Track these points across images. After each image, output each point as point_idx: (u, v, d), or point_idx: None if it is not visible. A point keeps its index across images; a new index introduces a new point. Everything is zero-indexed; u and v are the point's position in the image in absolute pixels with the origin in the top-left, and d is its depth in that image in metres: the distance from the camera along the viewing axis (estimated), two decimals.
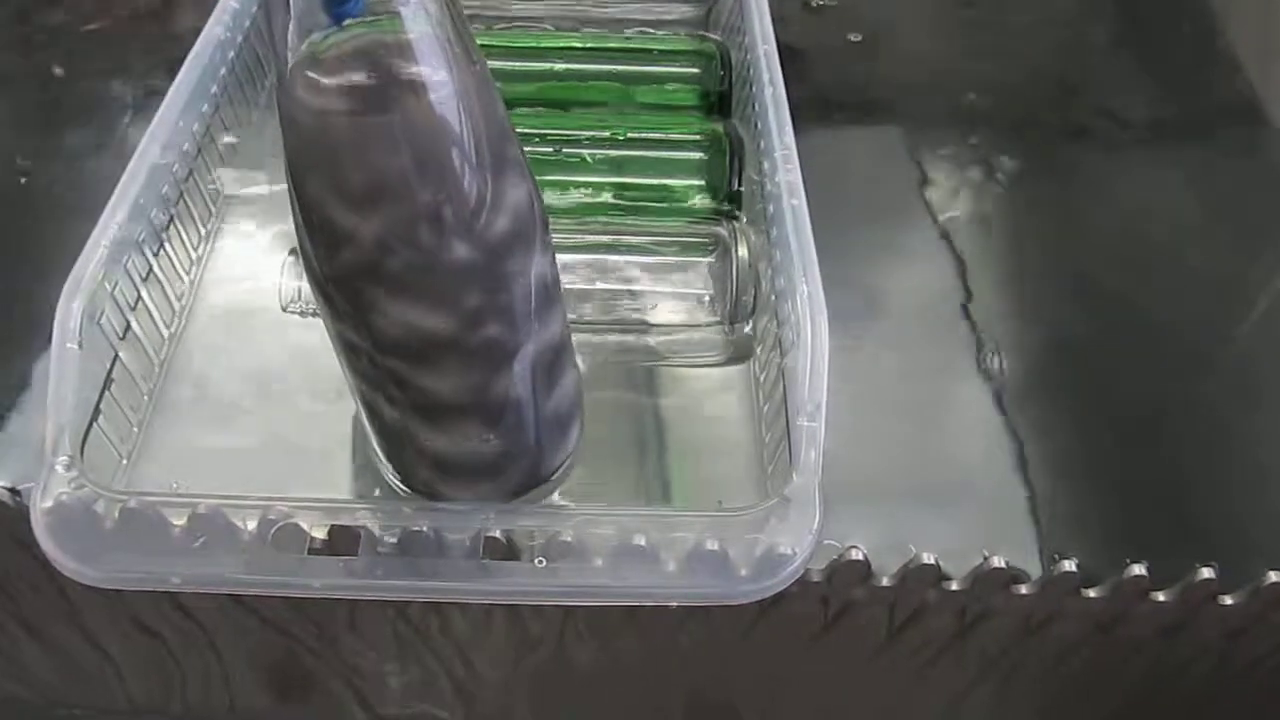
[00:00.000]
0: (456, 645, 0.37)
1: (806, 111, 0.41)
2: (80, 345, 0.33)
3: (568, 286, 0.39)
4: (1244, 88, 0.53)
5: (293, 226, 0.29)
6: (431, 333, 0.29)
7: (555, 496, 0.36)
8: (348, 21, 0.25)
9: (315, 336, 0.39)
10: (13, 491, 0.33)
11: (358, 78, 0.26)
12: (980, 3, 0.58)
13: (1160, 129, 0.52)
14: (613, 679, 0.38)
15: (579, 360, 0.37)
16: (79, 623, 0.37)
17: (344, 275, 0.29)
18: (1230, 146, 0.51)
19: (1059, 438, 0.39)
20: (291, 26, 0.26)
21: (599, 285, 0.39)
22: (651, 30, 0.52)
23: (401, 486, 0.35)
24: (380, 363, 0.30)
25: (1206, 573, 0.32)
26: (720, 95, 0.47)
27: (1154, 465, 0.38)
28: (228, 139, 0.44)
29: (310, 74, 0.26)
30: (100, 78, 0.51)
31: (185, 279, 0.40)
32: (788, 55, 0.43)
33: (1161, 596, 0.33)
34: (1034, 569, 0.34)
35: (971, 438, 0.39)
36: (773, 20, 0.45)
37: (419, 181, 0.27)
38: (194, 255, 0.41)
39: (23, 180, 0.47)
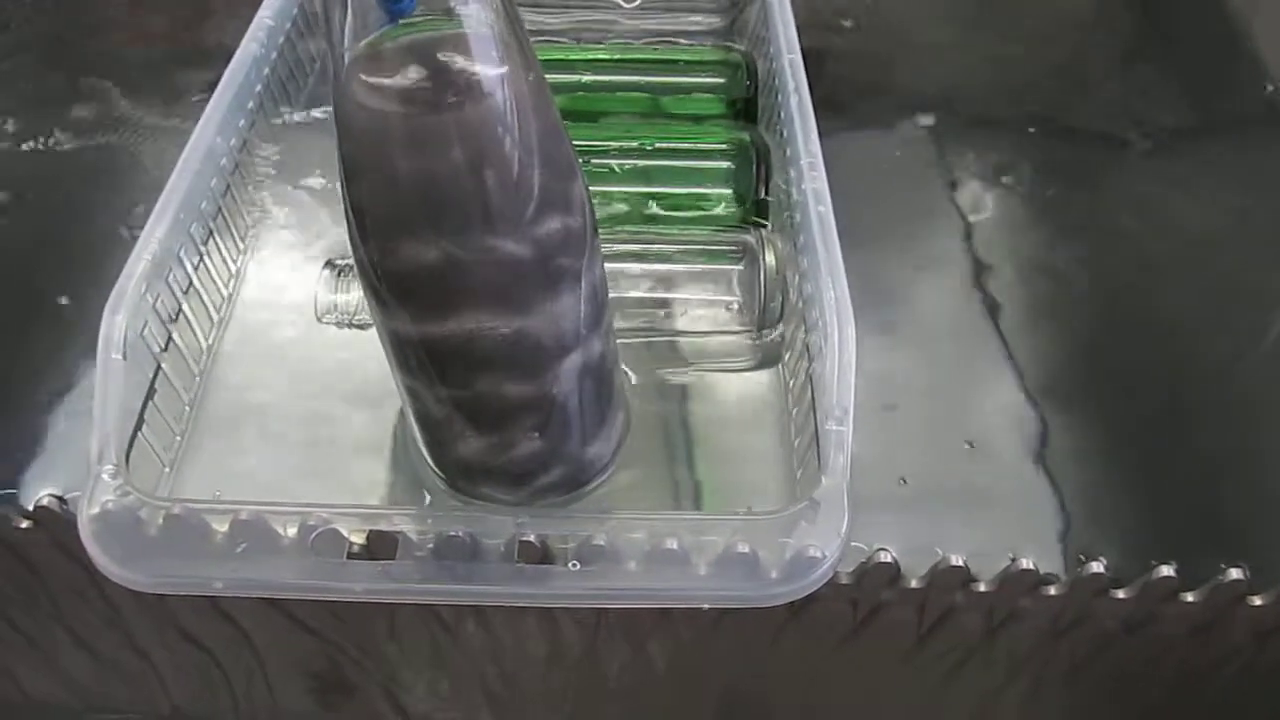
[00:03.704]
0: (491, 649, 0.38)
1: (829, 115, 0.41)
2: (124, 357, 0.34)
3: None
4: (1268, 91, 0.53)
5: (344, 227, 0.30)
6: (481, 331, 0.30)
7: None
8: (403, 20, 0.26)
9: (350, 347, 0.40)
10: (60, 500, 0.34)
11: (413, 75, 0.26)
12: (1005, 8, 0.58)
13: (1184, 133, 0.52)
14: (645, 681, 0.39)
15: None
16: (123, 628, 0.38)
17: (396, 273, 0.29)
18: (1255, 150, 0.51)
19: (1086, 438, 0.39)
20: (349, 23, 0.26)
21: (630, 294, 0.40)
22: (677, 41, 0.52)
23: (443, 485, 0.36)
24: (429, 360, 0.31)
25: (1235, 573, 0.32)
26: (746, 104, 0.48)
27: (1182, 466, 0.38)
28: (263, 153, 0.45)
29: (366, 72, 0.26)
30: (139, 91, 0.52)
31: (223, 291, 0.41)
32: (811, 58, 0.44)
33: (1190, 597, 0.33)
34: (1062, 569, 0.34)
35: (998, 438, 0.39)
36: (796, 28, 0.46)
37: (473, 179, 0.27)
38: (232, 268, 0.42)
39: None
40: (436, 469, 0.36)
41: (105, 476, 0.32)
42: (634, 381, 0.39)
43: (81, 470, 0.31)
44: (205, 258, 0.40)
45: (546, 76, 0.47)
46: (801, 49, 0.45)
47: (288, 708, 0.42)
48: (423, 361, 0.31)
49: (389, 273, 0.29)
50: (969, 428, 0.40)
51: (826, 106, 0.42)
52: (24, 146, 0.49)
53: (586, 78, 0.48)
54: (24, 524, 0.34)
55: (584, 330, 0.31)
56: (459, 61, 0.26)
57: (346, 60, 0.26)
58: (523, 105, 0.27)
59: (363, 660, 0.39)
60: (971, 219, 0.47)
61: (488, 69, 0.26)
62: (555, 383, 0.32)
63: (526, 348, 0.31)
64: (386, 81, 0.26)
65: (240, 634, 0.37)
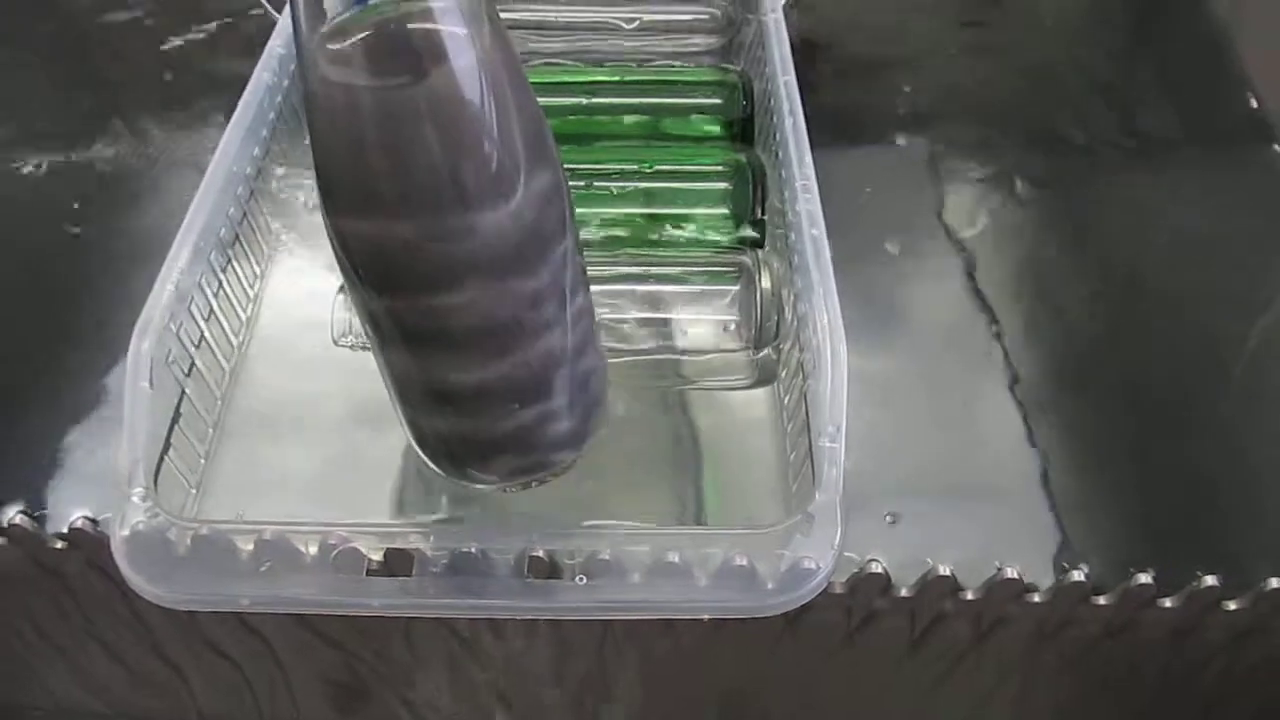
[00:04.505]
0: (503, 655, 0.40)
1: (824, 129, 0.43)
2: (151, 384, 0.35)
3: (601, 316, 0.41)
4: (1252, 106, 0.54)
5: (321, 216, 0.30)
6: (457, 307, 0.30)
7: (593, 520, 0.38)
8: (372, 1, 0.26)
9: (366, 369, 0.41)
10: (92, 521, 0.36)
11: (381, 49, 0.26)
12: (992, 22, 0.59)
13: (1171, 144, 0.53)
14: (650, 686, 0.40)
15: (610, 364, 0.39)
16: (152, 641, 0.39)
17: (370, 252, 0.29)
18: (1238, 162, 0.52)
19: (1072, 450, 0.40)
20: (315, 5, 0.26)
21: (631, 314, 0.41)
22: (674, 62, 0.54)
23: (434, 468, 0.37)
24: (402, 337, 0.31)
25: (1210, 580, 0.34)
26: (743, 124, 0.48)
27: (1164, 475, 0.40)
28: (278, 178, 0.47)
29: (332, 46, 0.26)
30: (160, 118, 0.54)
31: (242, 316, 0.43)
32: (803, 73, 0.45)
33: (1168, 603, 0.34)
34: (1051, 574, 0.36)
35: (990, 447, 0.41)
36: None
37: (444, 153, 0.27)
38: (250, 293, 0.43)
39: (75, 232, 0.50)
40: (419, 450, 0.37)
41: (136, 499, 0.33)
42: (636, 398, 0.41)
43: (110, 490, 0.33)
44: (224, 285, 0.41)
45: (549, 100, 0.49)
46: (795, 65, 0.46)
47: (308, 713, 0.44)
48: (397, 338, 0.32)
49: (362, 253, 0.29)
50: (961, 435, 0.41)
51: (818, 119, 0.43)
52: (36, 169, 0.51)
53: (587, 100, 0.49)
54: (59, 544, 0.35)
55: (564, 301, 0.32)
56: (426, 37, 0.26)
57: (313, 40, 0.26)
58: (495, 78, 0.27)
59: (380, 668, 0.40)
60: (965, 232, 0.49)
61: (456, 43, 0.26)
62: (533, 360, 0.32)
63: (504, 320, 0.31)
64: (354, 56, 0.26)
65: (264, 645, 0.39)
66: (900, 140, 0.54)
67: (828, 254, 0.38)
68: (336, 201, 0.29)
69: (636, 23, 0.54)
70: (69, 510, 0.37)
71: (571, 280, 0.32)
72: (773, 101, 0.46)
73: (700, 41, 0.54)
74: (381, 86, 0.26)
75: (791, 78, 0.45)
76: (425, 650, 0.39)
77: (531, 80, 0.50)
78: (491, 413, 0.34)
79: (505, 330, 0.31)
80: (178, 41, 0.58)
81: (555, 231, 0.31)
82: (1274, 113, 0.53)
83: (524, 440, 0.36)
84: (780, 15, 0.50)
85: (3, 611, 0.39)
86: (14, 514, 0.35)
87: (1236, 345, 0.45)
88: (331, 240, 0.30)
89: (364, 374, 0.41)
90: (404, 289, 0.30)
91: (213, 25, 0.58)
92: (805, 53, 0.49)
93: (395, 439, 0.39)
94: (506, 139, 0.28)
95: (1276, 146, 0.51)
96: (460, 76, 0.27)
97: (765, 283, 0.41)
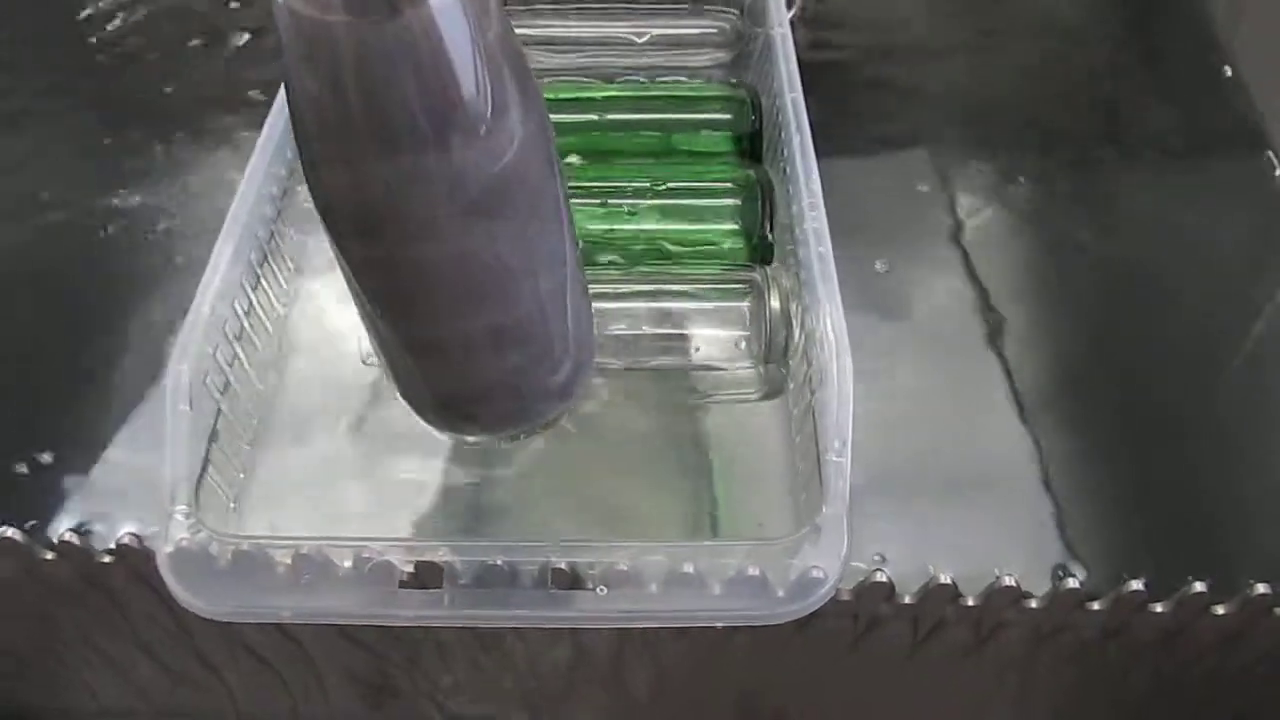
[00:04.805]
0: (527, 658, 0.41)
1: (829, 133, 0.44)
2: (190, 406, 0.37)
3: (615, 333, 0.43)
4: (1247, 113, 0.55)
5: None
6: (439, 254, 0.30)
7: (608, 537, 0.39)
8: None
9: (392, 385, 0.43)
10: (138, 537, 0.38)
11: None
12: (995, 31, 0.61)
13: (1175, 152, 0.54)
14: (666, 688, 0.42)
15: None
16: (193, 646, 0.41)
17: (350, 198, 0.29)
18: (1239, 169, 0.53)
19: (1069, 457, 0.42)
20: None
21: (645, 330, 0.43)
22: (684, 77, 0.54)
23: (434, 427, 0.38)
24: (389, 292, 0.32)
25: (1199, 586, 0.35)
26: (752, 139, 0.49)
27: (1164, 479, 0.41)
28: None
29: None
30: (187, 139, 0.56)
31: (272, 335, 0.44)
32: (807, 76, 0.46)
33: (1159, 608, 0.36)
34: (1049, 580, 0.37)
35: (993, 451, 0.42)
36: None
37: (421, 90, 0.26)
38: (280, 312, 0.45)
39: (106, 230, 0.51)
40: (407, 404, 0.37)
41: (179, 516, 0.35)
42: (650, 411, 0.43)
43: (153, 504, 0.35)
44: (255, 305, 0.43)
45: (565, 116, 0.50)
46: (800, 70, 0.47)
47: (340, 710, 0.46)
48: (380, 289, 0.32)
49: (341, 196, 0.29)
50: (964, 440, 0.43)
51: (822, 126, 0.44)
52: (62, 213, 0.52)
53: (600, 117, 0.50)
54: (106, 558, 0.37)
55: (549, 254, 0.32)
56: None
57: None
58: (470, 11, 0.26)
59: (410, 670, 0.42)
60: (966, 235, 0.50)
61: None
62: (518, 308, 0.33)
63: (487, 269, 0.31)
64: None
65: (299, 649, 0.41)
66: (901, 142, 0.55)
67: (834, 271, 0.39)
68: (315, 146, 0.28)
69: (647, 37, 0.56)
70: (116, 527, 0.39)
71: (557, 227, 0.32)
72: (780, 117, 0.47)
73: (710, 55, 0.55)
74: (357, 22, 0.26)
75: (799, 94, 0.46)
76: (453, 652, 0.41)
77: (545, 96, 0.51)
78: (477, 363, 0.34)
79: (490, 277, 0.31)
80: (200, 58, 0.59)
81: (541, 176, 0.30)
82: (1268, 118, 0.54)
83: (511, 391, 0.36)
84: (787, 30, 0.51)
85: (53, 622, 0.41)
86: (64, 531, 0.37)
87: (1232, 351, 0.46)
88: (313, 192, 0.30)
89: (390, 390, 0.43)
90: (384, 236, 0.30)
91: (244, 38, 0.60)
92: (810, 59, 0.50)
93: (424, 451, 0.41)
94: (487, 76, 0.27)
95: (1269, 153, 0.53)
96: (438, 11, 0.26)
97: (774, 299, 0.42)
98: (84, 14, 0.62)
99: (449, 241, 0.30)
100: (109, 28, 0.61)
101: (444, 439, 0.41)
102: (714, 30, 0.56)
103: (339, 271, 0.47)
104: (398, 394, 0.39)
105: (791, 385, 0.42)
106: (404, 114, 0.27)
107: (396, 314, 0.33)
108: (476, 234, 0.30)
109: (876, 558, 0.38)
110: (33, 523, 0.39)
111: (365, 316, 0.35)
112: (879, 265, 0.49)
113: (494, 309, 0.33)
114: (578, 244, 0.35)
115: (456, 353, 0.34)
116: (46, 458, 0.42)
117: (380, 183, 0.28)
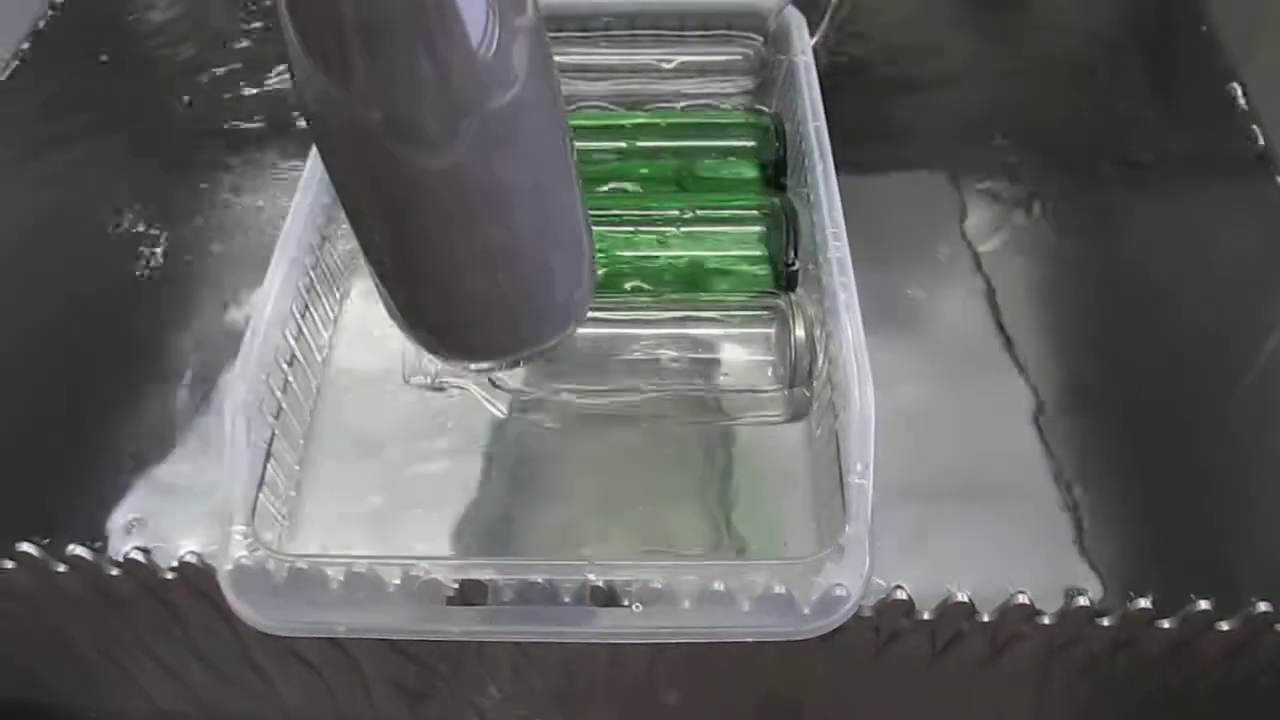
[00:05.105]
0: (563, 666, 0.43)
1: (850, 156, 0.46)
2: (247, 430, 0.39)
3: (643, 357, 0.45)
4: (1258, 140, 0.57)
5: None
6: (435, 171, 0.29)
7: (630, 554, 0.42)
8: None
9: (436, 406, 0.45)
10: (198, 555, 0.40)
11: None
12: (1015, 60, 0.62)
13: (1188, 175, 0.56)
14: (696, 696, 0.44)
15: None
16: (246, 655, 0.43)
17: (346, 116, 0.28)
18: (1250, 192, 0.55)
19: (1094, 465, 0.44)
20: None
21: (674, 354, 0.45)
22: (710, 103, 0.56)
23: (433, 352, 0.38)
24: (384, 214, 0.31)
25: (1203, 604, 0.37)
26: (776, 165, 0.51)
27: (1179, 493, 0.43)
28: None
29: None
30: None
31: (319, 359, 0.46)
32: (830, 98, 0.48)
33: (1166, 624, 0.38)
34: (1061, 596, 0.39)
35: (1008, 465, 0.44)
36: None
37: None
38: (326, 337, 0.47)
39: (156, 252, 0.54)
40: (401, 329, 0.36)
41: (238, 536, 0.37)
42: (678, 434, 0.45)
43: (208, 521, 0.38)
44: (304, 330, 0.45)
45: (596, 143, 0.51)
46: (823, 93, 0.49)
47: (383, 712, 0.48)
48: (376, 211, 0.32)
49: (337, 119, 0.28)
50: (981, 453, 0.45)
51: (844, 147, 0.46)
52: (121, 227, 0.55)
53: (629, 144, 0.51)
54: (169, 575, 0.39)
55: (548, 174, 0.32)
56: None
57: None
58: None
59: (452, 678, 0.44)
60: (983, 255, 0.52)
61: None
62: (515, 226, 0.32)
63: (481, 185, 0.30)
64: None
65: (346, 657, 0.43)
66: (921, 160, 0.57)
67: (856, 301, 0.41)
68: (307, 64, 0.28)
69: (674, 64, 0.57)
70: (177, 545, 0.41)
71: (555, 145, 0.32)
72: (804, 144, 0.48)
73: (735, 82, 0.57)
74: None
75: (822, 123, 0.48)
76: (493, 662, 0.43)
77: (574, 123, 0.52)
78: (471, 284, 0.34)
79: (484, 195, 0.31)
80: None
81: (536, 91, 0.30)
82: (1278, 142, 0.56)
83: (508, 311, 0.35)
84: (810, 57, 0.52)
85: (115, 633, 0.43)
86: (129, 549, 0.39)
87: (1243, 369, 0.48)
88: (306, 117, 0.30)
89: (432, 411, 0.45)
90: (370, 149, 0.29)
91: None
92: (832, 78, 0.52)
93: (464, 469, 0.43)
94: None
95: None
96: None
97: (799, 326, 0.44)
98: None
99: (443, 156, 0.29)
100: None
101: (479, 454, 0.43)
102: (739, 57, 0.57)
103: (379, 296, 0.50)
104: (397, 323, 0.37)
105: (815, 408, 0.44)
106: (395, 19, 0.26)
107: (388, 231, 0.32)
108: (474, 150, 0.29)
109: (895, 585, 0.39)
110: (99, 543, 0.42)
111: (359, 238, 0.34)
112: (898, 284, 0.50)
113: (489, 228, 0.32)
114: (577, 161, 0.34)
115: (449, 273, 0.33)
116: (103, 479, 0.44)
117: (368, 93, 0.28)
